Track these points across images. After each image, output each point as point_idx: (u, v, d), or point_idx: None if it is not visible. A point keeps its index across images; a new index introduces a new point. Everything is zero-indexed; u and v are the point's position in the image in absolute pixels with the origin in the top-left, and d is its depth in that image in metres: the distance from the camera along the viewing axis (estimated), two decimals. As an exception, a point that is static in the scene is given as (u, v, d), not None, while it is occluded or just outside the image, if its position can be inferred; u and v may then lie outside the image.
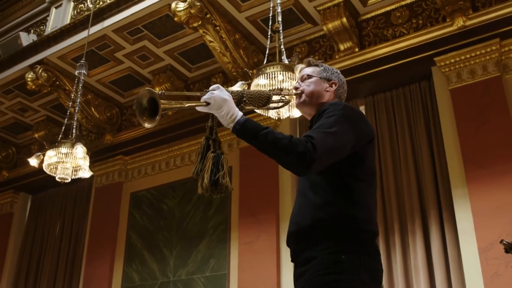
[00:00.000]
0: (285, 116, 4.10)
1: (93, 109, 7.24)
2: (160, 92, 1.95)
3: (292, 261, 2.14)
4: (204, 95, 2.05)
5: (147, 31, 6.26)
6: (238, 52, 6.15)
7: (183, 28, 6.20)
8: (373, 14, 5.95)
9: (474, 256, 4.52)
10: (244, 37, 6.28)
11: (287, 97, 2.43)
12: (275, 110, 3.85)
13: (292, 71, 3.96)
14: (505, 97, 4.90)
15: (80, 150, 5.04)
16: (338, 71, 2.43)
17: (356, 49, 5.89)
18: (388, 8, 5.86)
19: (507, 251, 3.32)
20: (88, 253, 7.10)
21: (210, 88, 2.08)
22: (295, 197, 2.28)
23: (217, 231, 6.22)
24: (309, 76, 2.36)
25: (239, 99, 2.13)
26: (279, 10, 4.45)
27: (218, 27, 5.88)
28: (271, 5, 4.56)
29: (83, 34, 6.18)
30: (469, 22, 5.23)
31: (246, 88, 4.00)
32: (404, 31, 5.69)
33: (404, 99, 5.70)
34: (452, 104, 5.17)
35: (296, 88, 2.36)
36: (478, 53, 5.10)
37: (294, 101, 2.45)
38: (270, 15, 4.52)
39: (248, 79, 6.04)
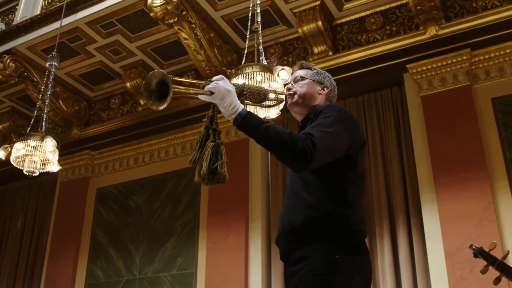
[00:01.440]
0: (261, 116, 4.09)
1: (61, 102, 7.10)
2: (170, 76, 1.93)
3: (282, 259, 2.15)
4: (208, 84, 2.04)
5: (121, 25, 6.18)
6: (212, 51, 6.14)
7: (157, 24, 6.14)
8: (347, 19, 6.02)
9: (440, 260, 4.62)
10: (218, 36, 6.27)
11: (281, 96, 2.44)
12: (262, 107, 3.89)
13: (271, 72, 3.97)
14: (474, 106, 5.03)
15: (49, 143, 4.95)
16: (330, 76, 2.47)
17: (330, 53, 5.95)
18: (363, 14, 5.94)
19: (476, 255, 3.40)
20: (51, 249, 6.96)
21: (214, 78, 2.08)
22: (284, 196, 2.28)
23: (185, 229, 6.19)
24: (302, 78, 2.38)
25: (240, 92, 2.14)
26: (258, 10, 4.45)
27: (193, 25, 5.85)
28: (251, 5, 4.55)
29: (55, 25, 6.06)
30: (441, 31, 5.35)
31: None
32: (378, 37, 5.78)
33: (375, 104, 5.79)
34: (422, 110, 5.27)
35: (288, 89, 2.38)
36: (449, 62, 5.22)
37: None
38: (249, 15, 4.52)
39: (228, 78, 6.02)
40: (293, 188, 2.16)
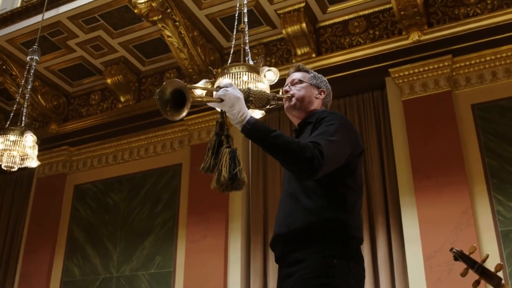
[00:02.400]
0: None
1: (39, 96, 7.00)
2: (185, 83, 1.92)
3: (277, 261, 2.15)
4: (218, 91, 2.03)
5: (103, 20, 6.12)
6: (195, 49, 6.12)
7: (140, 21, 6.11)
8: (331, 21, 6.06)
9: (418, 262, 4.68)
10: (202, 35, 6.25)
11: (280, 102, 2.43)
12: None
13: (257, 72, 3.97)
14: (454, 111, 5.11)
15: (29, 138, 4.87)
16: (326, 80, 2.47)
17: (313, 55, 5.98)
18: (346, 17, 5.98)
19: (456, 259, 3.44)
20: (26, 245, 6.85)
21: (222, 84, 2.07)
22: (280, 199, 2.28)
23: (164, 228, 6.15)
24: (300, 81, 2.38)
25: (246, 98, 2.12)
26: (245, 10, 4.45)
27: (177, 23, 5.83)
28: (237, 4, 4.55)
29: (36, 18, 5.97)
30: (424, 37, 5.43)
31: (210, 86, 4.00)
32: (361, 40, 5.83)
33: (357, 107, 5.83)
34: (404, 114, 5.33)
35: (286, 91, 2.38)
36: (431, 67, 5.29)
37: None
38: (236, 14, 4.51)
39: (211, 77, 6.03)
40: (291, 192, 2.16)
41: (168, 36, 5.95)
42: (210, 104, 2.07)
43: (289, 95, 2.36)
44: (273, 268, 5.42)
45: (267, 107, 2.30)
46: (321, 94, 2.39)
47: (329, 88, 2.45)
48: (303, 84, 2.37)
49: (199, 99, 2.05)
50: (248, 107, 2.12)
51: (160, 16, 5.65)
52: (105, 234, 6.48)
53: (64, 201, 6.96)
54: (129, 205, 6.51)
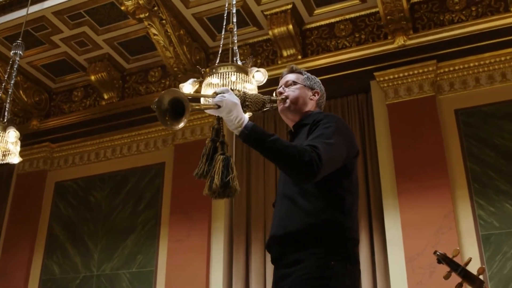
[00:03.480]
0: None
1: (21, 92, 6.91)
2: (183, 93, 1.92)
3: (273, 262, 2.15)
4: (215, 97, 2.03)
5: (89, 17, 6.07)
6: (181, 48, 6.10)
7: (126, 18, 6.07)
8: (317, 24, 6.09)
9: (400, 265, 4.73)
10: (188, 34, 6.24)
11: (275, 105, 2.42)
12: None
13: (246, 73, 3.97)
14: (437, 116, 5.18)
15: (12, 134, 4.78)
16: (320, 81, 2.48)
17: (299, 57, 6.00)
18: (333, 20, 6.02)
19: (439, 261, 3.49)
20: (5, 242, 6.74)
21: (219, 90, 2.06)
22: (276, 199, 2.28)
23: (147, 226, 6.11)
24: (294, 83, 2.38)
25: (242, 103, 2.12)
26: (234, 10, 4.44)
27: (164, 21, 5.80)
28: (226, 4, 4.55)
29: (20, 12, 5.87)
30: (409, 42, 5.49)
31: (198, 87, 3.99)
32: (347, 43, 5.87)
33: (341, 109, 5.87)
34: (388, 118, 5.39)
35: (280, 93, 2.38)
36: (415, 72, 5.35)
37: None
38: (225, 14, 4.50)
39: (199, 76, 6.01)
40: (287, 193, 2.15)
41: (154, 34, 5.92)
42: (208, 111, 2.07)
43: (283, 97, 2.35)
44: (255, 269, 5.44)
45: (263, 110, 2.30)
46: (315, 96, 2.40)
47: (322, 89, 2.46)
48: (297, 86, 2.38)
49: (197, 106, 2.04)
50: (245, 112, 2.12)
51: (146, 14, 5.62)
52: (86, 232, 6.42)
53: (45, 198, 6.88)
54: (111, 203, 6.45)
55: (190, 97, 2.01)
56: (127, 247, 6.10)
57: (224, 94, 2.03)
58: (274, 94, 2.40)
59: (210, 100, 2.08)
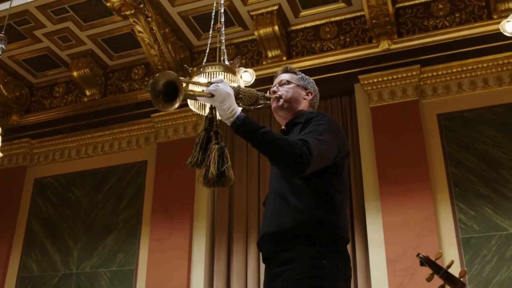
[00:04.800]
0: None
1: (1, 86, 6.81)
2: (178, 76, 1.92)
3: (264, 261, 2.15)
4: (209, 86, 2.04)
5: (73, 12, 6.01)
6: (166, 46, 6.08)
7: (111, 15, 6.03)
8: (303, 26, 6.13)
9: (382, 266, 4.78)
10: (173, 32, 6.22)
11: (268, 102, 2.44)
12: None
13: (234, 73, 3.96)
14: (420, 120, 5.24)
15: (-7, 129, 4.73)
16: (313, 81, 2.50)
17: (284, 58, 6.03)
18: (318, 22, 6.05)
19: (422, 264, 3.54)
20: (-19, 238, 6.65)
21: (214, 80, 2.09)
22: (268, 198, 2.28)
23: (127, 225, 6.06)
24: (288, 82, 2.40)
25: (236, 95, 2.13)
26: (222, 10, 4.44)
27: (149, 19, 5.78)
28: (215, 3, 4.54)
29: (3, 6, 5.75)
30: (393, 46, 5.55)
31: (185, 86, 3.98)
32: (332, 46, 5.91)
33: (325, 111, 5.89)
34: (371, 121, 5.44)
35: (274, 92, 2.39)
36: (399, 76, 5.41)
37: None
38: (213, 13, 4.50)
39: (186, 75, 5.96)
40: (279, 191, 2.16)
41: (139, 32, 5.89)
42: (201, 99, 2.08)
43: (277, 95, 2.37)
44: (237, 269, 5.44)
45: (256, 106, 2.32)
46: (308, 95, 2.42)
47: (316, 90, 2.48)
48: (291, 85, 2.40)
49: (191, 92, 2.05)
50: (238, 104, 2.13)
51: (132, 11, 5.59)
52: (66, 229, 6.35)
53: (24, 194, 6.78)
54: (92, 200, 6.39)
55: (185, 83, 2.03)
56: (107, 245, 6.05)
57: (219, 84, 2.06)
58: (267, 93, 2.41)
59: (205, 89, 2.08)
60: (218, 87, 2.03)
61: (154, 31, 5.88)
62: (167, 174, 6.05)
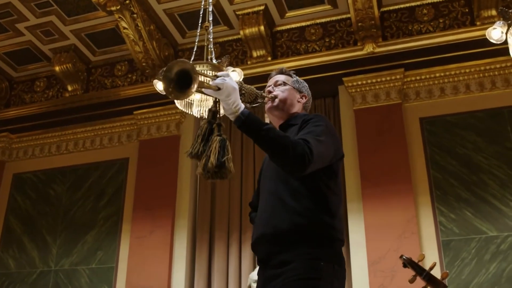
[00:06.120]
0: (195, 112, 4.04)
1: (-20, 79, 6.71)
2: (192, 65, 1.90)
3: (260, 262, 2.15)
4: (215, 79, 2.03)
5: (57, 6, 5.94)
6: (151, 43, 6.05)
7: (96, 10, 5.99)
8: (288, 26, 6.15)
9: (363, 267, 4.83)
10: (158, 29, 6.19)
11: (264, 99, 2.43)
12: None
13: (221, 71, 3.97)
14: (403, 123, 5.30)
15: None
16: (307, 85, 2.51)
17: (269, 58, 6.04)
18: (304, 24, 6.08)
19: (405, 265, 3.58)
20: (-42, 234, 6.53)
21: (220, 73, 2.06)
22: (262, 198, 2.27)
23: (108, 222, 6.01)
24: (284, 83, 2.40)
25: (239, 91, 2.11)
26: (210, 9, 4.44)
27: (135, 15, 5.74)
28: (203, 1, 4.54)
29: (-15, -2, 5.71)
30: (378, 49, 5.60)
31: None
32: (317, 48, 5.94)
33: (308, 112, 5.92)
34: (354, 123, 5.48)
35: (269, 92, 2.39)
36: (383, 79, 5.47)
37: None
38: (201, 12, 4.50)
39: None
40: (274, 191, 2.16)
41: (124, 28, 5.85)
42: (206, 91, 2.06)
43: (272, 95, 2.37)
44: (218, 267, 5.44)
45: (254, 104, 2.32)
46: (302, 98, 2.43)
47: (309, 94, 2.50)
48: (286, 87, 2.40)
49: (200, 83, 2.03)
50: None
51: (118, 7, 5.56)
52: (45, 226, 6.26)
53: (1, 190, 6.67)
54: (72, 197, 6.32)
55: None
56: (87, 242, 5.99)
57: (225, 78, 2.04)
58: (263, 92, 2.41)
59: (211, 81, 2.07)
60: (225, 81, 2.02)
61: (139, 28, 5.85)
62: (149, 172, 6.02)
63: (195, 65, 4.01)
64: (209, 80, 2.08)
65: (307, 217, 2.05)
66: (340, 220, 2.16)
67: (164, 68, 1.93)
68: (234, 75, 4.03)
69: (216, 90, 2.02)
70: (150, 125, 6.25)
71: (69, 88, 6.76)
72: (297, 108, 2.39)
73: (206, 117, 3.50)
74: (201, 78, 2.07)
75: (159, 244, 5.60)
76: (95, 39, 6.54)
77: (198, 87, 1.98)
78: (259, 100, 2.30)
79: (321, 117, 2.23)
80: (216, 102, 2.15)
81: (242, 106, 2.04)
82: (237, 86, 2.06)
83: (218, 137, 2.07)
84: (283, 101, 2.36)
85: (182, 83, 1.92)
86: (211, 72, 3.86)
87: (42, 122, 6.80)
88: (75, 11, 6.03)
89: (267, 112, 2.42)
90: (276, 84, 2.41)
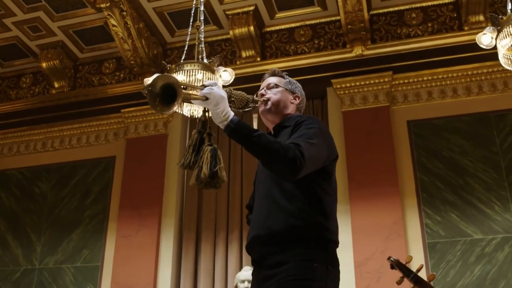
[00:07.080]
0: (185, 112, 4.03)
1: (-35, 74, 6.62)
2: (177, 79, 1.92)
3: (254, 263, 2.16)
4: (203, 89, 2.03)
5: (45, 2, 5.88)
6: (140, 41, 6.02)
7: (85, 7, 5.95)
8: (278, 27, 6.16)
9: (349, 269, 4.85)
10: (147, 27, 6.17)
11: (257, 105, 2.44)
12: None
13: (212, 71, 3.97)
14: (390, 126, 5.35)
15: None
16: (300, 86, 2.52)
17: (258, 59, 6.05)
18: (293, 25, 6.10)
19: (393, 267, 3.61)
20: None
21: (207, 83, 2.08)
22: (256, 200, 2.28)
23: (94, 221, 5.96)
24: (276, 86, 2.41)
25: (228, 98, 2.12)
26: (202, 8, 4.43)
27: (124, 13, 5.71)
28: (194, 0, 4.53)
29: (-28, -8, 5.65)
30: (366, 52, 5.64)
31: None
32: (306, 49, 5.97)
33: (302, 113, 5.94)
34: (342, 125, 5.51)
35: (262, 95, 2.40)
36: (372, 82, 5.50)
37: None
38: (192, 11, 4.49)
39: (156, 71, 5.91)
40: (268, 194, 2.17)
41: (113, 25, 5.82)
42: (195, 102, 2.07)
43: (265, 98, 2.38)
44: (204, 267, 5.43)
45: (245, 109, 2.32)
46: (295, 100, 2.44)
47: (303, 94, 2.50)
48: (279, 89, 2.40)
49: (186, 96, 2.04)
50: (230, 107, 2.13)
51: (107, 4, 5.53)
52: (29, 223, 6.20)
53: (-15, 186, 6.61)
54: (57, 195, 6.27)
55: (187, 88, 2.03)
56: (72, 240, 5.95)
57: (213, 87, 2.05)
58: (255, 96, 2.41)
59: (198, 91, 2.08)
60: (213, 90, 2.03)
61: (129, 26, 5.82)
62: (136, 170, 5.99)
63: (185, 65, 4.06)
64: (197, 91, 2.09)
65: (302, 218, 2.06)
66: (334, 221, 2.17)
67: (147, 83, 1.95)
68: (226, 76, 4.03)
69: (204, 100, 2.03)
70: (137, 124, 6.22)
71: (56, 85, 6.70)
72: (290, 109, 2.40)
73: (196, 116, 3.52)
74: (188, 90, 2.09)
75: (145, 243, 5.57)
76: (83, 36, 6.49)
77: (185, 99, 2.00)
78: (250, 105, 2.31)
79: (313, 119, 2.24)
80: (205, 111, 2.16)
81: (232, 114, 2.05)
82: (225, 95, 2.07)
83: (209, 147, 2.09)
84: (276, 104, 2.37)
85: (168, 97, 1.94)
86: (200, 78, 3.88)
87: (28, 118, 6.73)
88: (63, 7, 5.98)
89: (261, 115, 2.42)
90: (268, 87, 2.42)
